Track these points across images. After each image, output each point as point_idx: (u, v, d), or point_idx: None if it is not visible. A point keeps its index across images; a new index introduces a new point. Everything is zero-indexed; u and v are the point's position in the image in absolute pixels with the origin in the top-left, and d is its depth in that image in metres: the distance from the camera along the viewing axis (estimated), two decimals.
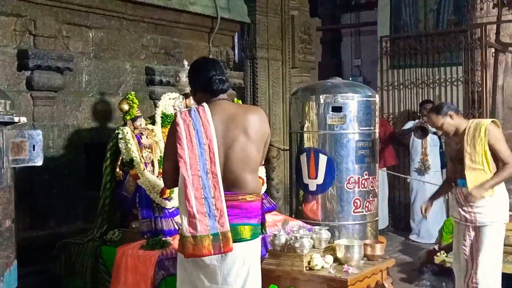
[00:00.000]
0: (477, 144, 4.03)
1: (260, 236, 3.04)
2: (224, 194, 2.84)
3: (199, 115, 2.87)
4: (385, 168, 7.67)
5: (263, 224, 3.06)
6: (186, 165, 2.82)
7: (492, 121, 4.17)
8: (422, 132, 7.29)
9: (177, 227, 3.96)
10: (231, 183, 2.88)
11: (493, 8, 8.12)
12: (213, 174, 2.82)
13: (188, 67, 4.46)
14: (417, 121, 7.59)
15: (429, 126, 7.34)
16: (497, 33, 8.29)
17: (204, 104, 2.94)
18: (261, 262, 3.59)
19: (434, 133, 7.49)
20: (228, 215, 2.83)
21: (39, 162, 2.60)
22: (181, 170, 2.82)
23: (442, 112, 4.15)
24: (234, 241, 2.85)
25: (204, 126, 2.85)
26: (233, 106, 3.00)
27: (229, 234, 2.79)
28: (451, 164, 4.34)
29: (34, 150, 2.59)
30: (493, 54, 8.28)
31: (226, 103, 2.98)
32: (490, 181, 3.98)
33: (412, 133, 7.45)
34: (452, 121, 4.12)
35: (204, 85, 2.98)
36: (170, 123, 4.27)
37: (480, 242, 4.02)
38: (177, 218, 4.02)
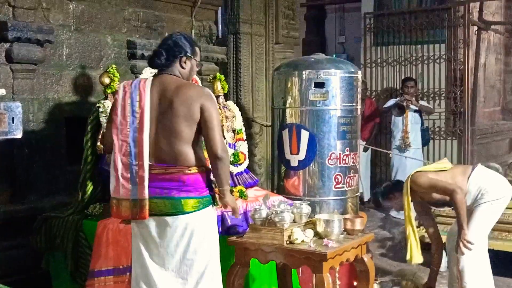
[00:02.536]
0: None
1: (210, 209, 3.07)
2: (160, 166, 2.95)
3: (139, 85, 2.98)
4: (364, 143, 7.74)
5: (213, 195, 3.10)
6: (117, 131, 2.95)
7: (413, 174, 4.24)
8: (400, 110, 7.37)
9: None
10: (165, 156, 2.97)
11: None
12: (139, 142, 2.92)
13: None
14: (398, 98, 7.64)
15: (408, 104, 7.40)
16: (480, 11, 8.33)
17: (150, 76, 3.08)
18: (242, 236, 3.65)
19: (415, 110, 7.55)
20: (166, 187, 2.94)
21: (18, 135, 2.58)
22: (112, 134, 2.95)
23: None
24: (173, 214, 2.96)
25: (140, 95, 2.95)
26: (172, 81, 3.03)
27: (146, 202, 2.91)
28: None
29: (13, 122, 2.57)
30: (476, 32, 8.32)
31: (168, 77, 3.04)
32: (461, 222, 4.03)
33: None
34: None
35: None
36: None
37: (469, 222, 4.08)
38: None
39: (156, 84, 3.01)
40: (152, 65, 3.12)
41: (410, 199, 4.15)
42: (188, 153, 2.97)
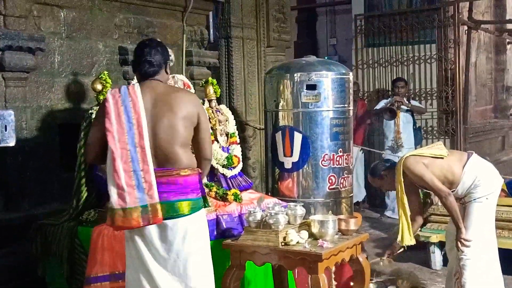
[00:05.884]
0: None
1: (203, 210, 3.13)
2: (158, 170, 2.93)
3: (129, 92, 2.98)
4: (359, 147, 7.77)
5: (204, 197, 3.15)
6: (114, 139, 2.90)
7: (408, 156, 4.18)
8: (391, 113, 7.40)
9: None
10: (163, 159, 2.98)
11: None
12: (141, 147, 2.90)
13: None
14: (389, 99, 7.66)
15: (399, 105, 7.42)
16: (470, 10, 8.38)
17: (135, 83, 3.07)
18: (237, 239, 3.66)
19: (407, 110, 7.58)
20: (164, 191, 2.92)
21: (11, 143, 2.59)
22: (109, 143, 2.89)
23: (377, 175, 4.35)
24: (173, 217, 2.96)
25: (133, 101, 2.94)
26: (162, 86, 3.10)
27: (158, 206, 2.89)
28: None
29: (6, 130, 2.58)
30: (466, 32, 8.37)
31: (156, 83, 3.09)
32: (456, 222, 4.04)
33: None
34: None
35: (136, 66, 3.11)
36: None
37: (466, 219, 4.07)
38: None
39: (147, 90, 3.01)
40: (144, 74, 3.08)
41: (403, 182, 4.11)
42: (184, 155, 3.01)
